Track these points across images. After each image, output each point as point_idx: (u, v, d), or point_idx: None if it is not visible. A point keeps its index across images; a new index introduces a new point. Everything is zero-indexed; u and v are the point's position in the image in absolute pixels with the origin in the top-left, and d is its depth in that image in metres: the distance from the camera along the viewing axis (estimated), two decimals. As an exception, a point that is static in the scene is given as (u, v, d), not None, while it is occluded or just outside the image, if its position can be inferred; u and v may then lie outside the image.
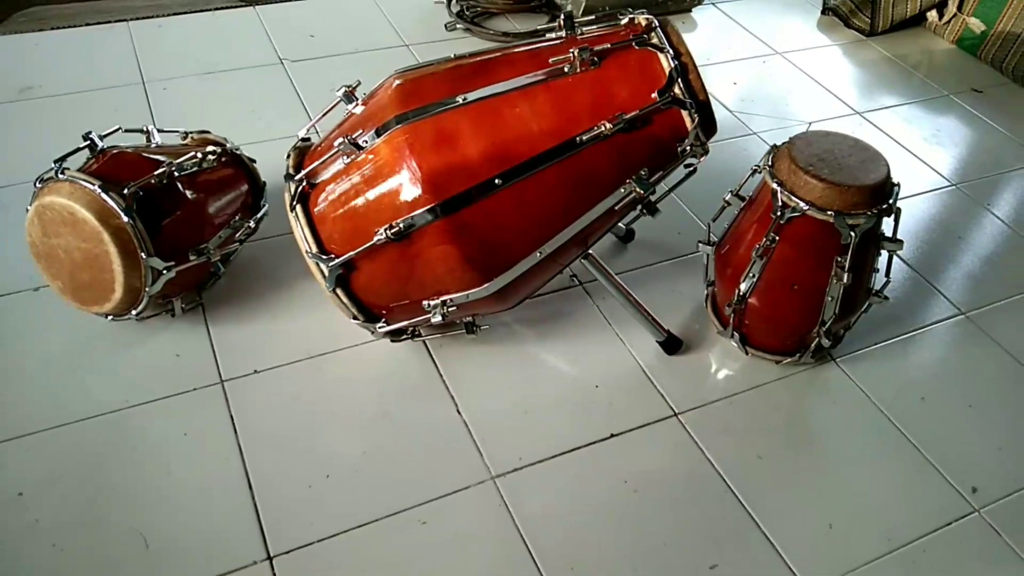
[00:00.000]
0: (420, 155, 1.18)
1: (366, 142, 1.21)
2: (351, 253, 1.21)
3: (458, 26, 2.34)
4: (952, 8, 2.50)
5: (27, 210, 1.32)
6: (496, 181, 1.17)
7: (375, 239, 1.19)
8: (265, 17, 2.31)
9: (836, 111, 2.19)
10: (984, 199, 1.95)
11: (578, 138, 1.18)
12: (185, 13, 2.31)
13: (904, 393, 1.48)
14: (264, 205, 1.51)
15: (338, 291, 1.26)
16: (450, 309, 1.27)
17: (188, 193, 1.36)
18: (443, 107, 1.20)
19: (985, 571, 1.24)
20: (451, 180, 1.18)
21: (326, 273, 1.24)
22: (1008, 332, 1.61)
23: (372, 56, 2.20)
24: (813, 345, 1.42)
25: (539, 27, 1.44)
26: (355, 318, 1.31)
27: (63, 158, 1.33)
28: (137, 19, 2.25)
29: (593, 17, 1.29)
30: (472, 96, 1.20)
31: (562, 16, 1.26)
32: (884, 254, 1.39)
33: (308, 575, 1.14)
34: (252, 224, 1.47)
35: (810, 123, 2.11)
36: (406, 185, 1.18)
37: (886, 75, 2.38)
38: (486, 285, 1.24)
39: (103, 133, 1.40)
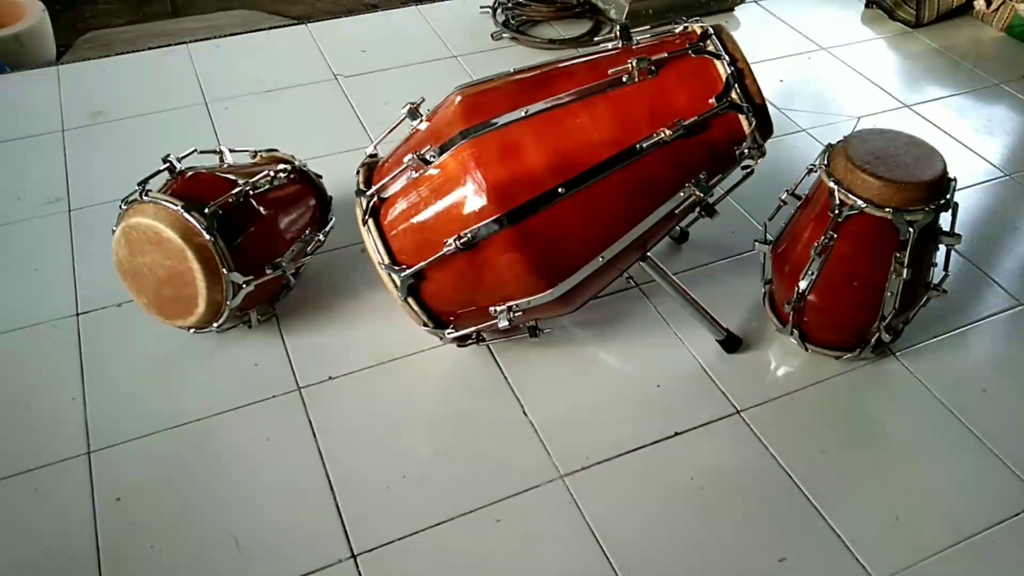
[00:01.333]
0: (485, 168, 1.22)
1: (433, 157, 1.26)
2: (422, 264, 1.26)
3: (504, 35, 2.38)
4: (1000, -5, 2.48)
5: (113, 231, 1.39)
6: (559, 190, 1.22)
7: (444, 249, 1.23)
8: (317, 34, 2.38)
9: (884, 105, 2.19)
10: (1039, 188, 1.94)
11: (638, 145, 1.22)
12: (240, 33, 2.40)
13: (965, 385, 1.48)
14: (331, 218, 1.57)
15: (409, 300, 1.31)
16: (516, 314, 1.32)
17: (262, 210, 1.42)
18: (506, 120, 1.24)
19: (1056, 561, 1.25)
20: (516, 191, 1.22)
21: (398, 283, 1.29)
22: (1069, 322, 1.61)
23: (422, 68, 2.26)
24: (873, 340, 1.44)
25: (596, 39, 1.47)
26: (425, 325, 1.36)
27: (145, 180, 1.40)
28: (195, 41, 2.34)
29: (648, 27, 1.32)
30: (534, 108, 1.24)
31: (618, 27, 1.30)
32: (942, 248, 1.40)
33: (391, 572, 1.20)
34: (321, 237, 1.53)
35: (859, 118, 2.11)
36: (472, 197, 1.23)
37: (933, 66, 2.37)
38: (550, 290, 1.29)
39: (180, 155, 1.47)
